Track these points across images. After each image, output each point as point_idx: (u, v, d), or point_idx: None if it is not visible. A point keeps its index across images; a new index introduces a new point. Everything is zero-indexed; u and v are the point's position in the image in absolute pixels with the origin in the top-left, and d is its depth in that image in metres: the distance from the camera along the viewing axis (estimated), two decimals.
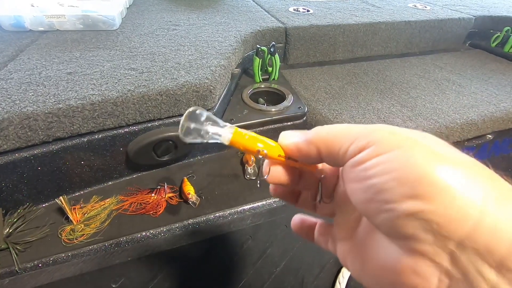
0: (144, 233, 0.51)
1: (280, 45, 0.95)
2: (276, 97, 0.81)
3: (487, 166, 0.16)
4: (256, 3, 1.15)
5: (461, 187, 0.14)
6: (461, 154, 0.17)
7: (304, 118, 0.75)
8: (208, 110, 0.61)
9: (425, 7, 1.27)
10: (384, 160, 0.16)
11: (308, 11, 1.10)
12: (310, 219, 0.28)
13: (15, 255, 0.45)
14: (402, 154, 0.16)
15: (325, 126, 0.21)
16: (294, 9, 1.10)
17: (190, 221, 0.53)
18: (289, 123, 0.73)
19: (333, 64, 1.03)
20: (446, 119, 0.76)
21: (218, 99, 0.64)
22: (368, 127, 0.19)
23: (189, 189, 0.56)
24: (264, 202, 0.58)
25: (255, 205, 0.57)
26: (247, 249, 0.54)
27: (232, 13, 1.00)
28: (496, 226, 0.14)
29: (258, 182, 0.54)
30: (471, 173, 0.15)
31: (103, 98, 0.50)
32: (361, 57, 1.08)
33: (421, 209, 0.14)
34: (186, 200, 0.56)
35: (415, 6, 1.27)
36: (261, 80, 0.84)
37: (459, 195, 0.14)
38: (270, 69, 0.85)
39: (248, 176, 0.62)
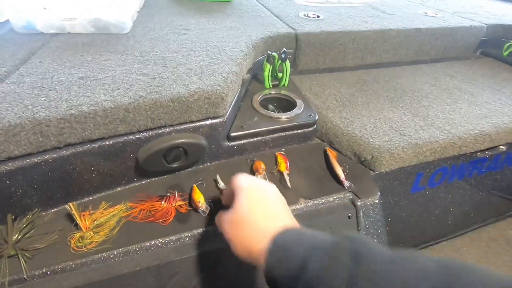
0: (153, 242, 0.50)
1: (290, 51, 0.95)
2: (286, 104, 0.80)
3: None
4: (266, 8, 1.15)
5: None
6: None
7: (315, 126, 0.74)
8: (219, 117, 0.60)
9: (436, 14, 1.26)
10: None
11: (318, 16, 1.09)
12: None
13: (23, 262, 0.44)
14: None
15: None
16: (304, 15, 1.09)
17: (200, 230, 0.53)
18: (299, 131, 0.73)
19: (342, 71, 1.02)
20: (459, 130, 0.75)
21: (229, 106, 0.64)
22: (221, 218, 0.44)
23: (199, 197, 0.55)
24: None
25: None
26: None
27: (242, 18, 1.00)
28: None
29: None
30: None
31: (115, 104, 0.50)
32: (371, 64, 1.07)
33: None
34: (195, 209, 0.55)
35: (425, 13, 1.26)
36: (271, 86, 0.83)
37: None
38: (280, 75, 0.84)
39: None
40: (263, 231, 0.36)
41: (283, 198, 0.43)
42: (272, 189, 0.43)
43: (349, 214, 0.60)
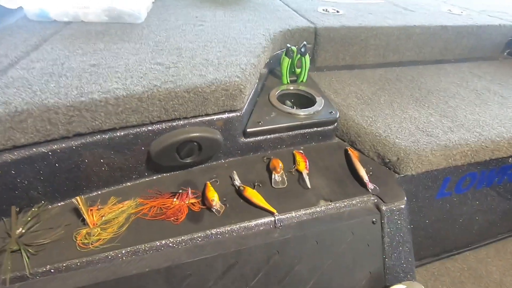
0: (164, 242, 0.47)
1: (309, 46, 0.91)
2: (304, 100, 0.76)
3: None
4: (283, 2, 1.11)
5: None
6: None
7: (335, 124, 0.70)
8: (236, 111, 0.57)
9: (461, 12, 1.20)
10: None
11: (337, 12, 1.05)
12: None
13: (26, 259, 0.41)
14: None
15: None
16: (323, 10, 1.05)
17: (213, 231, 0.49)
18: (319, 129, 0.68)
19: (363, 68, 0.97)
20: (491, 133, 0.70)
21: (247, 100, 0.60)
22: None
23: (213, 196, 0.52)
24: (293, 214, 0.53)
25: (283, 216, 0.52)
26: (273, 264, 0.49)
27: (259, 11, 0.96)
28: None
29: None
30: None
31: (128, 92, 0.47)
32: (393, 62, 1.02)
33: None
34: (209, 207, 0.51)
35: (450, 11, 1.20)
36: (289, 81, 0.79)
37: None
38: (298, 70, 0.80)
39: (275, 185, 0.58)
40: None
41: None
42: None
43: (373, 219, 0.55)
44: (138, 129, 0.50)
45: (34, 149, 0.44)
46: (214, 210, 0.50)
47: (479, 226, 0.88)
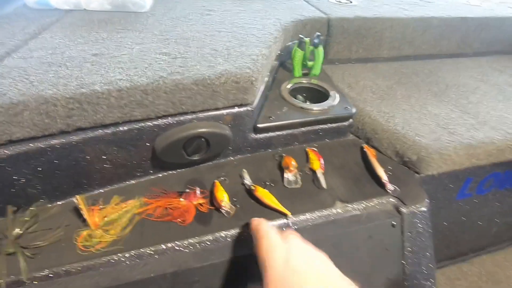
0: (170, 245, 0.43)
1: (322, 37, 0.86)
2: (317, 95, 0.72)
3: None
4: None
5: None
6: None
7: (351, 120, 0.66)
8: (247, 105, 0.53)
9: (480, 3, 1.14)
10: None
11: (351, 2, 1.00)
12: None
13: (23, 262, 0.38)
14: None
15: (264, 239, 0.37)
16: (336, 0, 1.00)
17: (223, 233, 0.46)
18: (333, 125, 0.64)
19: (377, 62, 0.92)
20: None
21: (258, 93, 0.56)
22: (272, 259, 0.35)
23: (222, 196, 0.48)
24: (308, 217, 0.50)
25: (297, 219, 0.49)
26: None
27: (269, 1, 0.91)
28: None
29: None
30: None
31: (132, 84, 0.43)
32: (408, 56, 0.97)
33: None
34: (218, 208, 0.48)
35: (468, 2, 1.15)
36: (301, 74, 0.75)
37: None
38: (310, 63, 0.76)
39: (288, 185, 0.54)
40: None
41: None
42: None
43: (393, 222, 0.52)
44: (142, 124, 0.47)
45: (31, 145, 0.41)
46: (223, 211, 0.47)
47: (498, 228, 0.84)
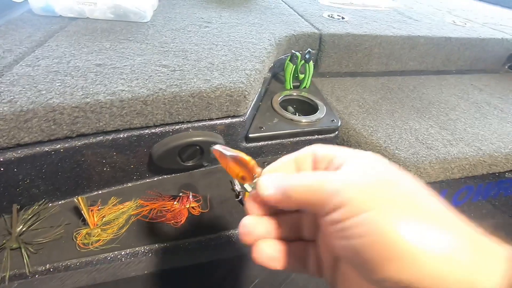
0: (163, 244, 0.47)
1: (313, 51, 0.91)
2: (306, 107, 0.76)
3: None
4: (289, 6, 1.11)
5: (430, 247, 0.16)
6: (433, 202, 0.18)
7: (336, 133, 0.71)
8: (239, 116, 0.57)
9: (465, 24, 1.21)
10: (358, 223, 0.17)
11: (343, 18, 1.05)
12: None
13: (26, 257, 0.42)
14: (373, 218, 0.17)
15: (298, 178, 0.21)
16: (329, 15, 1.05)
17: (213, 235, 0.49)
18: (320, 137, 0.69)
19: (365, 76, 0.98)
20: (490, 147, 0.71)
21: (250, 105, 0.60)
22: (340, 180, 0.19)
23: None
24: None
25: None
26: (271, 271, 0.50)
27: (265, 14, 0.96)
28: (471, 278, 0.16)
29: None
30: (442, 227, 0.17)
31: (133, 95, 0.47)
32: (395, 71, 1.03)
33: (395, 275, 0.16)
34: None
35: (453, 22, 1.21)
36: (292, 87, 0.80)
37: (429, 255, 0.16)
38: (301, 76, 0.81)
39: None
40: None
41: None
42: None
43: None
44: (141, 131, 0.50)
45: (37, 148, 0.44)
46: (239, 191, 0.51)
47: None
